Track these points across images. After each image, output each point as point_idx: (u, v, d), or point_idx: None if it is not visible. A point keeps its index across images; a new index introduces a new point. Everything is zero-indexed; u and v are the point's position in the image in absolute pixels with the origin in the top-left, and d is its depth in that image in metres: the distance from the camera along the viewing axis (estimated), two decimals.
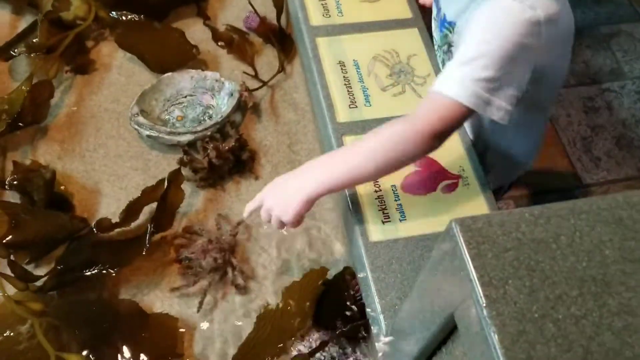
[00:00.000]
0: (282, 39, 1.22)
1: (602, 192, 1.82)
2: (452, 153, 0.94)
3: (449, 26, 0.88)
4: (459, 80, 0.71)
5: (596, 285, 0.50)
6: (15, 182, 1.01)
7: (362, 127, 0.96)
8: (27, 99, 1.05)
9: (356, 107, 0.98)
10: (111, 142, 1.09)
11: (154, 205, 0.98)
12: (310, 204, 0.80)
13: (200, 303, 0.91)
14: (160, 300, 0.93)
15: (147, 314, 0.91)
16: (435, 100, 0.74)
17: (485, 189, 0.91)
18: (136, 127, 1.06)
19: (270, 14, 1.24)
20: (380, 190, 0.90)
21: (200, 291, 0.93)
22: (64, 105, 1.13)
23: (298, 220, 0.81)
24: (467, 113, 0.73)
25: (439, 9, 0.92)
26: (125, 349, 0.88)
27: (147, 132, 1.05)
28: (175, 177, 1.01)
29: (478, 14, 0.74)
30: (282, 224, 0.82)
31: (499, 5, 0.71)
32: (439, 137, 0.74)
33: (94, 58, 1.19)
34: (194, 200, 1.03)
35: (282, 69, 1.19)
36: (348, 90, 0.99)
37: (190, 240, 0.98)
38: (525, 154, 1.06)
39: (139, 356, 0.88)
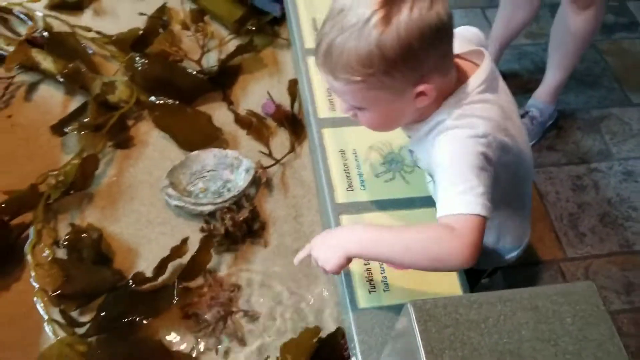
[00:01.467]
0: (294, 124, 1.41)
1: (585, 265, 1.95)
2: None
3: (411, 152, 1.06)
4: (460, 200, 0.83)
5: (512, 357, 0.66)
6: (67, 242, 1.19)
7: (357, 207, 1.13)
8: (78, 171, 1.25)
9: (352, 190, 1.15)
10: (143, 209, 1.28)
11: (176, 262, 1.16)
12: (349, 261, 0.89)
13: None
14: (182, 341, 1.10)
15: (169, 351, 1.08)
16: (461, 221, 0.83)
17: (461, 270, 1.06)
18: (166, 197, 1.25)
19: (285, 101, 1.45)
20: (369, 264, 1.06)
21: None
22: (106, 175, 1.32)
23: (337, 271, 0.90)
24: (485, 221, 0.84)
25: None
26: None
27: (175, 202, 1.24)
28: (206, 242, 1.20)
29: (436, 150, 0.89)
30: (325, 271, 0.91)
31: (449, 138, 0.88)
32: (474, 248, 0.81)
33: (133, 135, 1.39)
34: (211, 263, 1.20)
35: (293, 149, 1.38)
36: (347, 175, 1.17)
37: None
38: (506, 249, 1.18)
39: None
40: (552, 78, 2.06)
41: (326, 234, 0.93)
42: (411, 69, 0.82)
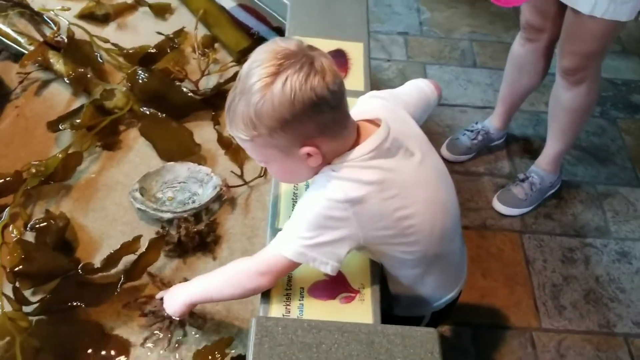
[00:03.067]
0: None
1: (559, 339, 1.92)
2: (360, 270, 1.15)
3: None
4: (286, 238, 0.98)
5: None
6: (36, 226, 1.30)
7: None
8: (60, 164, 1.37)
9: None
10: (112, 207, 1.38)
11: (129, 259, 1.25)
12: (187, 307, 1.09)
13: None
14: (123, 330, 1.18)
15: (108, 335, 1.16)
16: (268, 253, 1.01)
17: (377, 308, 1.08)
18: (131, 199, 1.34)
19: None
20: (290, 289, 1.11)
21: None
22: (87, 171, 1.44)
23: (179, 315, 1.11)
24: (293, 264, 0.98)
25: None
26: None
27: (138, 205, 1.33)
28: (155, 243, 1.28)
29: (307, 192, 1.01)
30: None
31: (309, 191, 0.99)
32: (267, 277, 1.00)
33: (122, 139, 1.51)
34: (159, 264, 1.28)
35: (263, 174, 1.46)
36: (293, 204, 1.24)
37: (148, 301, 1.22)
38: (426, 297, 1.20)
39: None
40: (551, 148, 2.07)
41: (176, 286, 1.14)
42: (290, 135, 0.91)
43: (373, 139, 0.98)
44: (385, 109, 1.08)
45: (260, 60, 0.89)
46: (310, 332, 0.70)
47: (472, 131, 2.25)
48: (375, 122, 1.03)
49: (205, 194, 1.40)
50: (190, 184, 1.42)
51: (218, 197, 1.39)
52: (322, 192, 0.96)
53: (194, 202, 1.39)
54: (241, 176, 1.45)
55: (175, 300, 1.09)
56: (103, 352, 1.14)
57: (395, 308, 1.21)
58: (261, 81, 0.87)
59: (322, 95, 0.88)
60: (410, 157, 1.03)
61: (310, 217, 0.95)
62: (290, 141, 0.92)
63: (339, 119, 0.95)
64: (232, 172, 1.46)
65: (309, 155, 0.94)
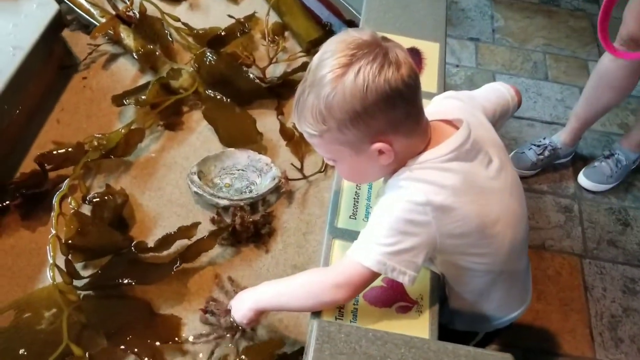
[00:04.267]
0: None
1: None
2: (419, 280, 1.09)
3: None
4: (364, 247, 0.91)
5: None
6: (94, 199, 1.29)
7: (353, 236, 1.14)
8: (123, 139, 1.36)
9: (355, 219, 1.16)
10: (169, 188, 1.36)
11: (183, 243, 1.23)
12: (255, 313, 1.02)
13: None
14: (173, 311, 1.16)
15: (155, 314, 1.15)
16: (345, 263, 0.94)
17: (434, 321, 1.03)
18: (189, 182, 1.32)
19: None
20: None
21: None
22: (147, 149, 1.42)
23: (248, 324, 1.05)
24: (372, 275, 0.91)
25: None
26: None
27: (195, 189, 1.30)
28: (214, 233, 1.25)
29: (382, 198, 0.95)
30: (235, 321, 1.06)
31: (387, 195, 0.92)
32: (344, 289, 0.92)
33: (184, 120, 1.48)
34: (214, 251, 1.25)
35: (323, 170, 1.41)
36: (354, 204, 1.19)
37: (218, 298, 1.18)
38: (489, 314, 1.14)
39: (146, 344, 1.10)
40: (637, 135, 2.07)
41: (244, 290, 1.06)
42: (361, 129, 0.86)
43: (453, 140, 0.92)
44: (463, 111, 1.02)
45: (332, 51, 0.85)
46: (374, 344, 0.65)
47: (539, 146, 2.15)
48: (452, 124, 0.97)
49: (263, 184, 1.36)
50: (249, 173, 1.39)
51: (276, 189, 1.35)
52: (402, 194, 0.90)
53: (251, 191, 1.35)
54: (301, 170, 1.41)
55: (242, 305, 1.04)
56: (150, 332, 1.12)
57: (453, 322, 1.15)
58: (332, 72, 0.83)
59: (396, 87, 0.83)
60: (489, 164, 0.97)
61: (390, 221, 0.89)
62: (361, 137, 0.87)
63: (413, 114, 0.89)
64: (292, 164, 1.42)
65: (380, 152, 0.89)
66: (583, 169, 2.20)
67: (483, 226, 0.95)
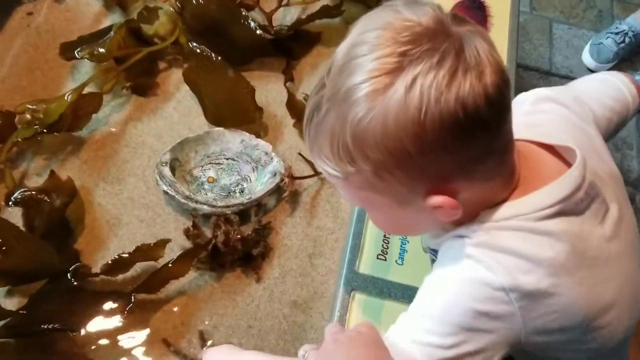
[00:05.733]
0: None
1: None
2: None
3: (432, 252, 0.72)
4: (408, 345, 0.58)
5: None
6: (21, 200, 0.93)
7: (381, 288, 0.80)
8: (69, 109, 0.99)
9: (385, 260, 0.82)
10: (131, 180, 1.00)
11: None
12: None
13: None
14: None
15: None
16: None
17: None
18: (157, 176, 0.96)
19: None
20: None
21: None
22: (106, 121, 1.05)
23: None
24: None
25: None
26: None
27: (165, 188, 0.95)
28: (189, 252, 0.91)
29: (440, 259, 0.62)
30: None
31: (452, 259, 0.58)
32: None
33: (159, 82, 1.11)
34: (183, 279, 0.92)
35: None
36: (384, 235, 0.84)
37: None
38: None
39: None
40: None
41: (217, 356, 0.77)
42: (412, 176, 0.53)
43: (561, 186, 0.58)
44: (571, 129, 0.66)
45: (371, 42, 0.51)
46: None
47: (617, 33, 1.90)
48: (554, 150, 0.62)
49: (259, 181, 1.01)
50: (242, 164, 1.02)
51: (276, 190, 1.00)
52: (470, 270, 0.57)
53: (242, 191, 1.00)
54: (311, 162, 1.04)
55: None
56: None
57: None
58: (369, 83, 0.50)
59: (475, 111, 0.50)
60: (606, 216, 0.62)
61: (452, 312, 0.57)
62: (411, 186, 0.54)
63: (498, 150, 0.55)
64: (299, 154, 1.05)
65: (439, 207, 0.55)
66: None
67: (592, 317, 0.61)
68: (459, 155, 0.52)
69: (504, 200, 0.59)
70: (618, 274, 0.63)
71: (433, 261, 0.73)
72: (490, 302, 0.56)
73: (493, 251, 0.57)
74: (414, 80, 0.48)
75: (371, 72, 0.49)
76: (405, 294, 0.79)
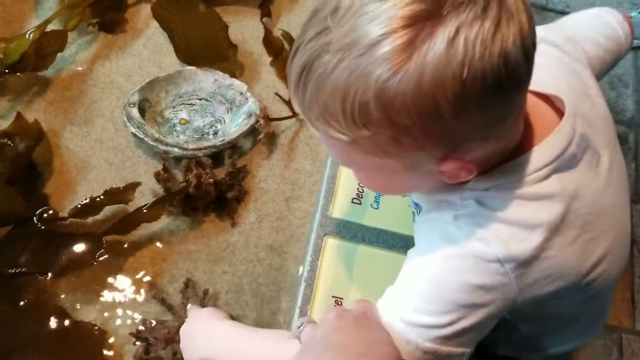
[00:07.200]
0: None
1: None
2: None
3: (416, 207, 0.67)
4: (400, 325, 0.54)
5: None
6: None
7: (354, 232, 0.77)
8: (32, 47, 0.94)
9: (360, 204, 0.79)
10: (99, 121, 0.96)
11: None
12: None
13: None
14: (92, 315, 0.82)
15: (70, 324, 0.81)
16: None
17: None
18: (125, 118, 0.92)
19: None
20: None
21: None
22: (72, 60, 1.00)
23: None
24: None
25: None
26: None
27: (133, 130, 0.91)
28: (161, 199, 0.88)
29: (420, 240, 0.57)
30: None
31: (444, 233, 0.54)
32: None
33: (128, 19, 1.05)
34: (159, 222, 0.89)
35: None
36: None
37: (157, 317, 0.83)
38: (549, 347, 0.81)
39: None
40: None
41: (198, 325, 0.75)
42: (434, 141, 0.46)
43: (553, 142, 0.54)
44: (563, 70, 0.61)
45: None
46: None
47: None
48: (548, 100, 0.57)
49: (234, 122, 0.97)
50: (215, 105, 0.98)
51: (251, 131, 0.96)
52: (463, 245, 0.53)
53: (215, 133, 0.96)
54: (289, 102, 1.00)
55: (192, 354, 0.72)
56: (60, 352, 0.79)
57: (496, 347, 0.83)
58: (401, 34, 0.42)
59: (515, 65, 0.44)
60: (597, 164, 0.59)
61: (445, 291, 0.53)
62: (429, 150, 0.48)
63: (520, 106, 0.50)
64: (277, 94, 1.01)
65: (450, 170, 0.51)
66: None
67: (586, 273, 0.58)
68: (489, 115, 0.47)
69: (504, 160, 0.54)
70: (610, 226, 0.60)
71: (413, 214, 0.70)
72: (484, 274, 0.53)
73: (485, 221, 0.53)
74: (457, 31, 0.41)
75: (403, 19, 0.42)
76: (380, 238, 0.76)
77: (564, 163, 0.53)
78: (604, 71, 0.72)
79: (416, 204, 0.66)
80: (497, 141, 0.50)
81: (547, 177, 0.52)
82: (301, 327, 0.59)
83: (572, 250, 0.55)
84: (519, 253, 0.52)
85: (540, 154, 0.52)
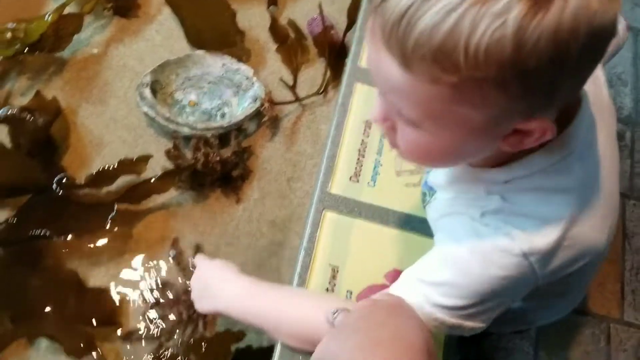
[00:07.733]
0: (339, 58, 1.07)
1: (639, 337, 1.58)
2: None
3: (429, 190, 0.71)
4: (425, 306, 0.58)
5: None
6: (11, 116, 0.95)
7: (351, 207, 0.82)
8: (50, 29, 0.99)
9: (357, 182, 0.84)
10: (113, 101, 1.01)
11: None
12: (218, 314, 0.75)
13: None
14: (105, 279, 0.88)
15: (85, 287, 0.87)
16: None
17: None
18: (138, 98, 0.97)
19: (340, 25, 1.10)
20: (333, 292, 0.77)
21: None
22: (88, 42, 1.06)
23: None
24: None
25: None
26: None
27: (146, 109, 0.96)
28: (171, 172, 0.94)
29: (451, 224, 0.60)
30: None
31: (467, 225, 0.57)
32: None
33: (141, 4, 1.10)
34: (168, 194, 0.94)
35: (323, 90, 1.05)
36: (358, 159, 0.85)
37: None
38: (536, 320, 0.88)
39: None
40: None
41: (208, 274, 0.75)
42: (543, 90, 0.45)
43: (572, 132, 0.54)
44: None
45: None
46: None
47: None
48: None
49: (240, 105, 1.02)
50: (223, 88, 1.03)
51: (256, 114, 1.01)
52: (489, 240, 0.56)
53: (223, 115, 1.01)
54: (293, 88, 1.05)
55: (208, 303, 0.74)
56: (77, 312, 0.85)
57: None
58: None
59: (613, 23, 0.45)
60: (600, 145, 0.61)
61: (473, 283, 0.57)
62: (527, 100, 0.45)
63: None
64: (281, 80, 1.06)
65: (520, 132, 0.49)
66: None
67: (600, 252, 0.62)
68: (586, 77, 0.47)
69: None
70: (614, 209, 0.64)
71: (424, 194, 0.73)
72: (509, 267, 0.55)
73: (510, 217, 0.55)
74: None
75: None
76: (376, 214, 0.81)
77: (582, 152, 0.56)
78: (605, 61, 0.76)
79: (430, 187, 0.70)
80: (556, 112, 0.49)
81: (567, 167, 0.55)
82: (336, 314, 0.60)
83: (592, 234, 0.58)
84: (542, 246, 0.54)
85: (562, 143, 0.53)
